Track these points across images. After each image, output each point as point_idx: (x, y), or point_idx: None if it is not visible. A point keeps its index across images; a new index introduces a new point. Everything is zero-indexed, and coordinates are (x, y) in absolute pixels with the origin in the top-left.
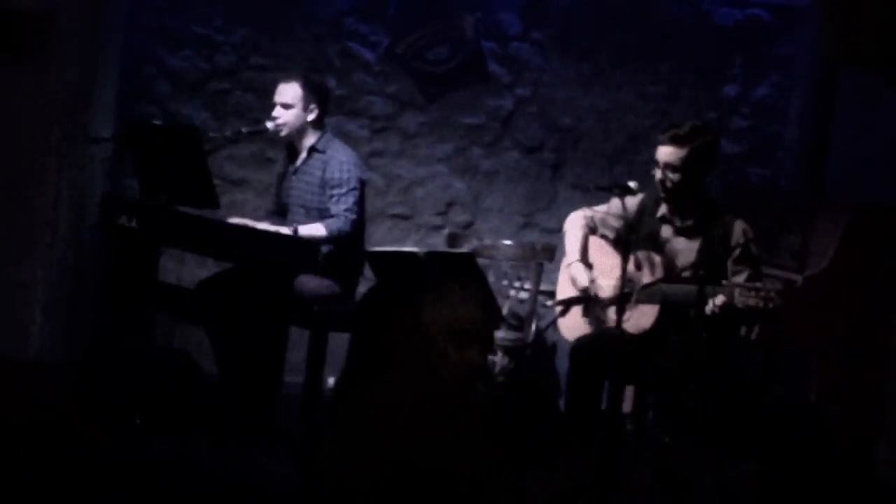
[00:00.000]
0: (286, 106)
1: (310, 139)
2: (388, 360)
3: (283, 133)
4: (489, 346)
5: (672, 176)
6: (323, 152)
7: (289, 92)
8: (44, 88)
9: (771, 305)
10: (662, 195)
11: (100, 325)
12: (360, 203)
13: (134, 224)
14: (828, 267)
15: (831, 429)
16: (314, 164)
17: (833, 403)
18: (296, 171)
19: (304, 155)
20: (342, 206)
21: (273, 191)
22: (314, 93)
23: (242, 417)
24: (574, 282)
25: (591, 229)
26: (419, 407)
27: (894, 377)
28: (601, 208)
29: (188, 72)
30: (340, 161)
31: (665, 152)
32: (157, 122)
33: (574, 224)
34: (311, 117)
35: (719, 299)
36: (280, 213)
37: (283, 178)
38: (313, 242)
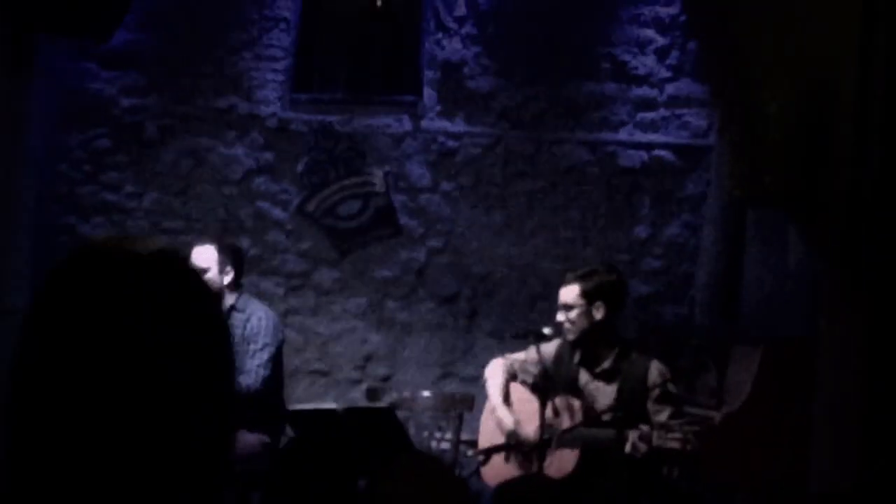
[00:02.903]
0: (201, 270)
1: (228, 300)
2: None
3: None
4: None
5: (569, 315)
6: (243, 311)
7: (203, 255)
8: None
9: (689, 447)
10: (569, 337)
11: None
12: (277, 361)
13: None
14: (745, 403)
15: None
16: (235, 323)
17: None
18: None
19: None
20: (255, 362)
21: None
22: (229, 255)
23: None
24: (500, 424)
25: (512, 375)
26: None
27: None
28: (519, 356)
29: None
30: (259, 318)
31: (561, 293)
32: None
33: (495, 371)
34: (227, 280)
35: (640, 445)
36: None
37: None
38: None
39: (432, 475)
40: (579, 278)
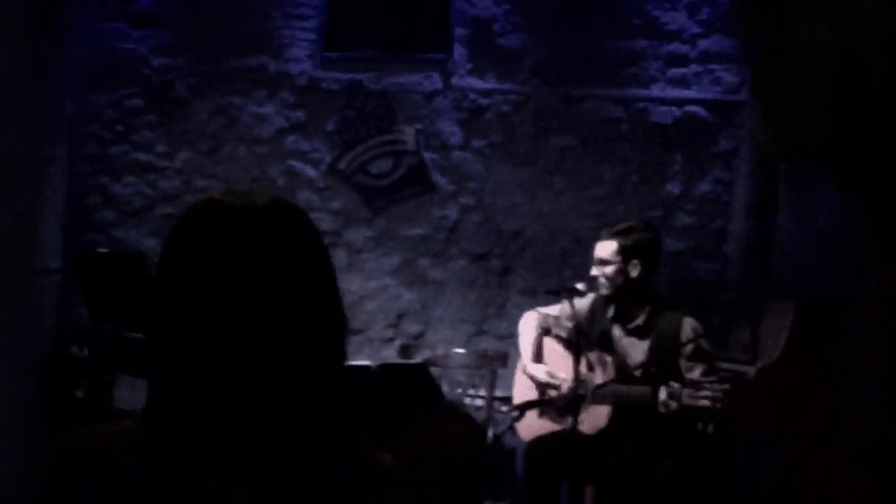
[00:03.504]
0: None
1: None
2: None
3: None
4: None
5: (606, 270)
6: None
7: None
8: None
9: (719, 405)
10: (602, 292)
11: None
12: None
13: (85, 352)
14: (779, 358)
15: None
16: None
17: (791, 498)
18: None
19: None
20: None
21: None
22: None
23: None
24: (534, 379)
25: (545, 330)
26: None
27: (847, 468)
28: (553, 310)
29: (132, 198)
30: None
31: (598, 247)
32: (103, 251)
33: (528, 326)
34: None
35: (671, 403)
36: None
37: None
38: None
39: (454, 423)
40: (616, 234)
